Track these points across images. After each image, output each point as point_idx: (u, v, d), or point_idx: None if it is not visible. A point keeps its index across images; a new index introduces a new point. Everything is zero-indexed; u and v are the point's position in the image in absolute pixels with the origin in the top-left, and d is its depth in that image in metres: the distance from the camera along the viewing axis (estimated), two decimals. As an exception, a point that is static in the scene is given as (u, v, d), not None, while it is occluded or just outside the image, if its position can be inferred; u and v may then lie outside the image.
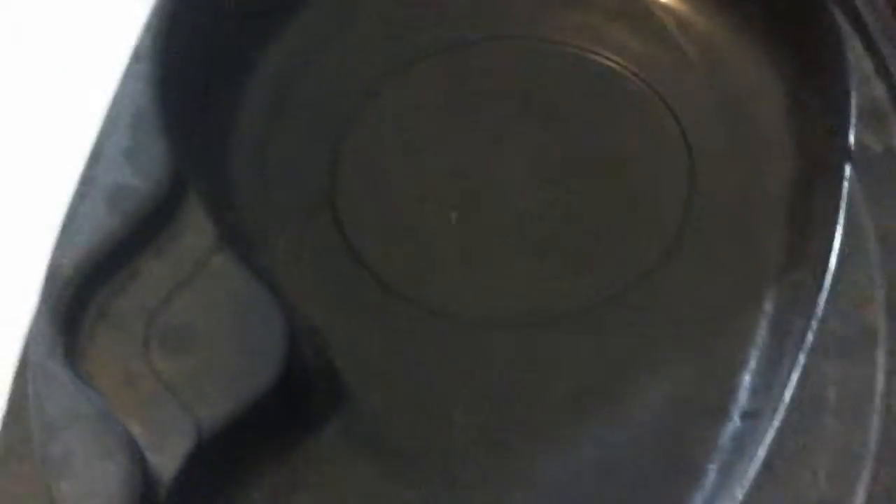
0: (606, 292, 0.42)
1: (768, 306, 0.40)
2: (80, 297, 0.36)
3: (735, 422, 0.38)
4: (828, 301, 0.35)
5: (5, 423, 0.41)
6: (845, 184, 0.37)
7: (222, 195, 0.43)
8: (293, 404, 0.37)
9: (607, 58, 0.46)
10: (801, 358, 0.35)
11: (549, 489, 0.37)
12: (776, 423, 0.34)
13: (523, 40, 0.47)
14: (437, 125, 0.46)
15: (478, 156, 0.45)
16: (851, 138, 0.37)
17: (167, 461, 0.34)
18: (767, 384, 0.38)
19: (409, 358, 0.41)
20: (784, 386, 0.35)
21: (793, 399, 0.34)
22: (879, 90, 0.38)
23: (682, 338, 0.40)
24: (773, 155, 0.43)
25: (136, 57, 0.40)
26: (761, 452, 0.33)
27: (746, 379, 0.39)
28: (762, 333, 0.39)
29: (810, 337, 0.34)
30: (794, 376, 0.35)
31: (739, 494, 0.33)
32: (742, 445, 0.36)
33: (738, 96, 0.45)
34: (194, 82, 0.42)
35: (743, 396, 0.38)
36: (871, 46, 0.40)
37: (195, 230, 0.38)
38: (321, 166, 0.45)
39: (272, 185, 0.44)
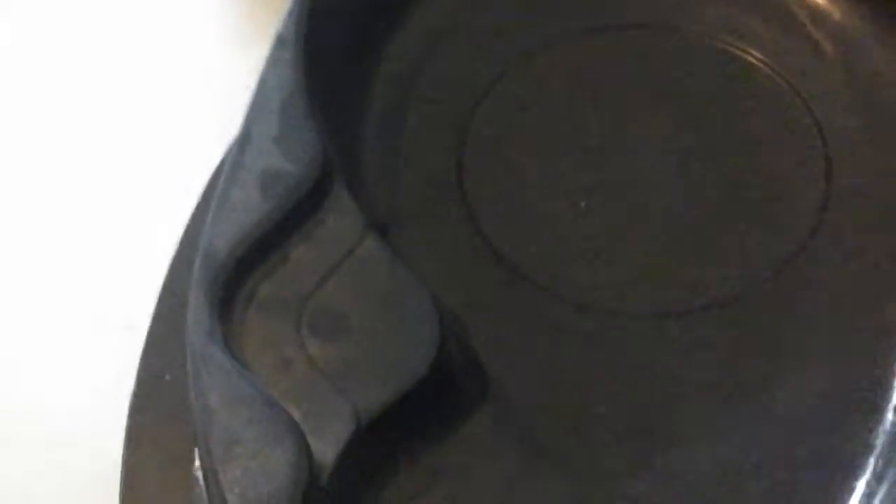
0: (743, 284, 0.41)
1: (918, 299, 0.39)
2: (234, 282, 0.36)
3: (889, 417, 0.37)
4: None
5: (135, 405, 0.42)
6: None
7: (354, 179, 0.42)
8: (442, 391, 0.37)
9: (738, 48, 0.46)
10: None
11: (699, 482, 0.37)
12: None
13: (652, 29, 0.46)
14: (565, 111, 0.45)
15: (607, 144, 0.45)
16: None
17: (329, 446, 0.34)
18: (921, 378, 0.37)
19: (548, 348, 0.40)
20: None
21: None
22: None
23: (825, 331, 0.40)
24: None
25: (280, 42, 0.40)
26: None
27: (896, 373, 0.38)
28: (917, 326, 0.39)
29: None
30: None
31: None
32: (898, 440, 0.36)
33: (874, 87, 0.44)
34: (332, 66, 0.42)
35: (894, 392, 0.38)
36: None
37: (344, 215, 0.38)
38: (449, 151, 0.44)
39: (402, 169, 0.44)
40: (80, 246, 0.51)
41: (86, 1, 0.57)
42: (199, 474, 0.35)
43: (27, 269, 0.50)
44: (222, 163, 0.43)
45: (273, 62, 0.39)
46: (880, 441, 0.36)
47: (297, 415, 0.34)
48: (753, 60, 0.45)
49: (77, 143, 0.53)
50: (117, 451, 0.41)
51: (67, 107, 0.54)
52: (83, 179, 0.52)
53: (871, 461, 0.36)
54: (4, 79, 0.55)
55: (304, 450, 0.33)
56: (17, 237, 0.51)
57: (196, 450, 0.36)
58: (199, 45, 0.56)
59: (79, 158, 0.53)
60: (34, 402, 0.48)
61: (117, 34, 0.56)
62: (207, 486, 0.35)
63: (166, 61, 0.55)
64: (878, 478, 0.35)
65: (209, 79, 0.55)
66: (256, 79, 0.40)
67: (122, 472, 0.40)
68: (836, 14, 0.46)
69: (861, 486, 0.36)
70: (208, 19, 0.57)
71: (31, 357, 0.49)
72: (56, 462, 0.46)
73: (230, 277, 0.36)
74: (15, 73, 0.55)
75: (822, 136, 0.44)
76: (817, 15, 0.46)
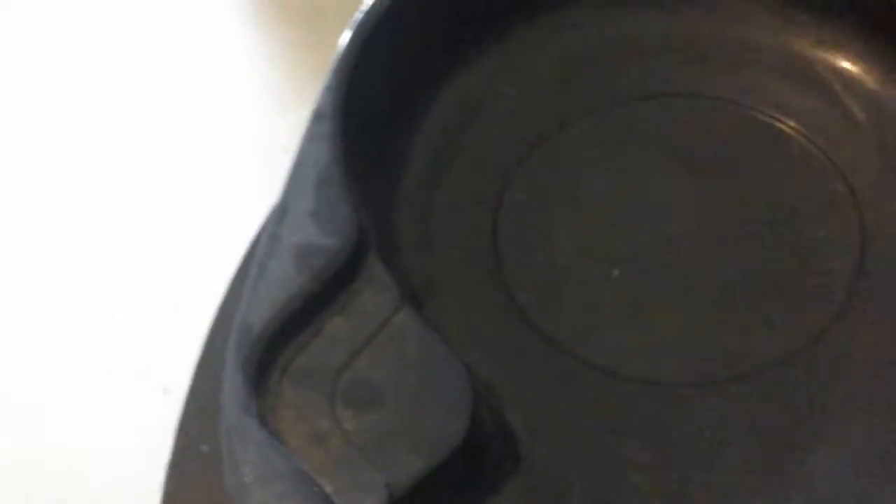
0: (779, 352, 0.41)
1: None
2: (269, 355, 0.37)
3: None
4: None
5: (171, 475, 0.42)
6: None
7: (390, 248, 0.43)
8: (474, 463, 0.37)
9: (771, 116, 0.46)
10: None
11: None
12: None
13: (685, 98, 0.47)
14: (597, 181, 0.46)
15: (640, 212, 0.45)
16: None
17: (361, 520, 0.34)
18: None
19: (582, 418, 0.41)
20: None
21: None
22: None
23: (863, 399, 0.40)
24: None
25: (318, 117, 0.41)
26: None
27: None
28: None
29: None
30: None
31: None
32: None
33: (908, 156, 0.44)
34: (370, 138, 0.43)
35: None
36: None
37: (377, 288, 0.38)
38: (484, 220, 0.45)
39: (437, 237, 0.45)
40: (121, 309, 0.52)
41: (124, 65, 0.58)
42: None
43: (66, 330, 0.51)
44: (259, 233, 0.44)
45: (311, 137, 0.40)
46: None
47: (329, 489, 0.34)
48: (786, 129, 0.45)
49: (119, 209, 0.54)
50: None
51: (111, 172, 0.55)
52: (125, 244, 0.53)
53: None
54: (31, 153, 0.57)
55: (336, 524, 0.33)
56: (58, 298, 0.52)
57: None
58: (238, 110, 0.57)
59: (120, 223, 0.54)
60: (73, 461, 0.49)
61: (157, 99, 0.57)
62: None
63: (206, 127, 0.56)
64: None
65: (249, 143, 0.56)
66: (295, 145, 0.41)
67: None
68: (870, 82, 0.46)
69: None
70: (246, 85, 0.58)
71: (71, 418, 0.50)
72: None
73: (265, 351, 0.36)
74: (44, 145, 0.57)
75: (857, 205, 0.44)
76: (850, 83, 0.46)
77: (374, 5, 0.43)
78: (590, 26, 0.48)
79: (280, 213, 0.39)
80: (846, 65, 0.46)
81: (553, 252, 0.44)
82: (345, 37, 0.43)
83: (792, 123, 0.46)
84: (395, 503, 0.35)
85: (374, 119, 0.44)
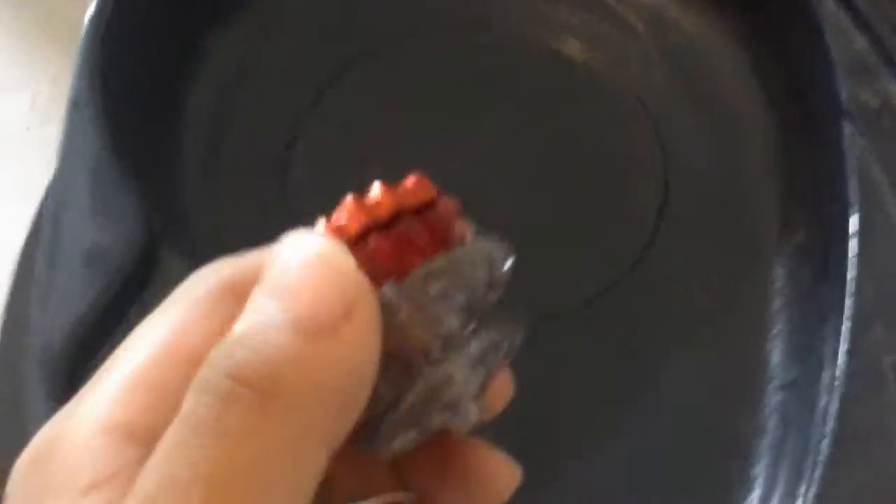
0: (603, 283, 0.40)
1: (778, 272, 0.39)
2: (76, 373, 0.33)
3: (773, 395, 0.37)
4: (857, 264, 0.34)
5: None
6: (843, 138, 0.36)
7: (184, 236, 0.40)
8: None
9: (555, 41, 0.44)
10: (841, 323, 0.34)
11: (594, 488, 0.36)
12: (832, 393, 0.33)
13: (465, 30, 0.45)
14: (388, 126, 0.43)
15: (435, 157, 0.43)
16: (843, 92, 0.36)
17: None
18: (799, 352, 0.37)
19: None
20: (822, 352, 0.35)
21: (848, 369, 0.33)
22: (861, 43, 0.37)
23: (693, 316, 0.39)
24: (745, 121, 0.42)
25: (75, 106, 0.37)
26: (828, 426, 0.32)
27: (773, 348, 0.38)
28: (778, 300, 0.39)
29: (848, 300, 0.34)
30: (839, 342, 0.34)
31: (814, 473, 0.32)
32: (788, 418, 0.36)
33: (694, 64, 0.44)
34: (138, 118, 0.39)
35: (775, 367, 0.37)
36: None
37: (177, 281, 0.35)
38: (274, 183, 0.42)
39: (227, 210, 0.42)
40: None
41: None
42: None
43: None
44: (29, 239, 0.40)
45: (72, 129, 0.36)
46: (771, 422, 0.36)
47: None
48: (571, 52, 0.44)
49: None
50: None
51: None
52: None
53: (766, 447, 0.35)
54: None
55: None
56: None
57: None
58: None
59: None
60: None
61: None
62: None
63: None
64: (775, 463, 0.35)
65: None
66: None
67: None
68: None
69: (758, 474, 0.35)
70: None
71: None
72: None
73: (70, 371, 0.33)
74: None
75: (653, 122, 0.43)
76: (624, -5, 0.45)
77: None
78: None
79: (55, 219, 0.35)
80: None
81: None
82: (90, 12, 0.39)
83: (576, 45, 0.44)
84: None
85: (139, 95, 0.40)
